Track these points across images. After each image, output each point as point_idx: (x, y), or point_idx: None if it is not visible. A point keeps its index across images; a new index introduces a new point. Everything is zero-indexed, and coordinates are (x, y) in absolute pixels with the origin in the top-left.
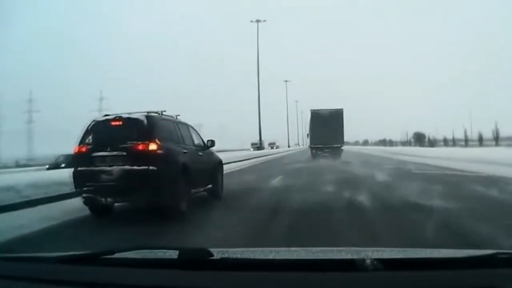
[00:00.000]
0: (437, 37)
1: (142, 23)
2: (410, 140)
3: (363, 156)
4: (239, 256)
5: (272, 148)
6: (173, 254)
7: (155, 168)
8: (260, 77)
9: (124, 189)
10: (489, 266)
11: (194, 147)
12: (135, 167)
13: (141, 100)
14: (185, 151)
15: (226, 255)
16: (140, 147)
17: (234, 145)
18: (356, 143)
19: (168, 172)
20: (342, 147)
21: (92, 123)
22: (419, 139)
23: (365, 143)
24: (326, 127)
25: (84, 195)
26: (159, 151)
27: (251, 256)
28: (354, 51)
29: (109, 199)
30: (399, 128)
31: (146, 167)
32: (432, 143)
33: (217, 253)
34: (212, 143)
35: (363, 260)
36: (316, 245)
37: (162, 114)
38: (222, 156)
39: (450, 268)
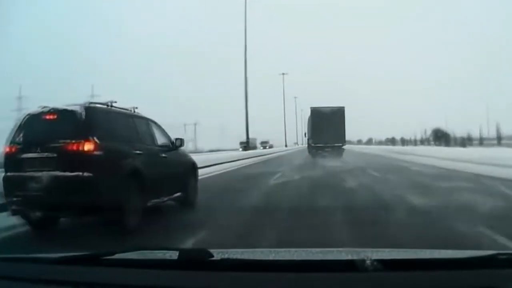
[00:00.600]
0: (443, 33)
1: (140, 22)
2: (428, 138)
3: (382, 160)
4: (239, 256)
5: (264, 147)
6: (173, 254)
7: (90, 174)
8: (259, 75)
9: (53, 200)
10: (489, 267)
11: (156, 147)
12: (67, 173)
13: (138, 99)
14: (139, 152)
15: (226, 256)
16: (73, 147)
17: (235, 145)
18: (359, 142)
19: (109, 179)
20: (344, 147)
21: (26, 117)
22: (444, 137)
23: (369, 142)
24: (327, 125)
25: (13, 207)
26: (97, 153)
27: (251, 256)
28: (357, 48)
29: (37, 213)
30: (403, 127)
31: (79, 173)
32: (464, 142)
33: (217, 253)
34: (181, 142)
35: (363, 260)
36: None
37: (111, 106)
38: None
39: (450, 268)
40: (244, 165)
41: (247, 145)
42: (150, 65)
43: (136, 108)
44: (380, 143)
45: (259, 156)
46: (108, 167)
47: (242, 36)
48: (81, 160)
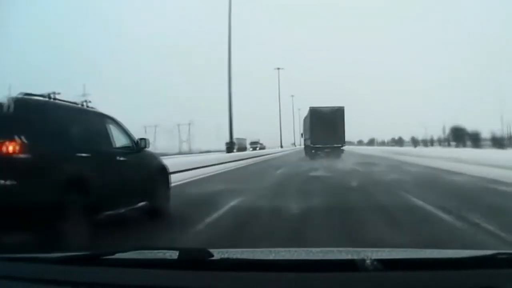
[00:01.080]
0: (448, 30)
1: (138, 22)
2: (440, 138)
3: (416, 171)
4: (239, 256)
5: (254, 149)
6: (173, 254)
7: (14, 182)
8: (256, 75)
9: None
10: (489, 267)
11: (112, 149)
12: None
13: (135, 99)
14: (85, 155)
15: (226, 255)
16: None
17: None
18: (360, 142)
19: (41, 188)
20: (343, 147)
21: None
22: (464, 136)
23: (371, 142)
24: (326, 126)
25: None
26: (24, 155)
27: (251, 256)
28: (358, 46)
29: None
30: (405, 127)
31: (0, 181)
32: (501, 143)
33: (217, 253)
34: (145, 143)
35: (363, 260)
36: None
37: (54, 99)
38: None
39: (450, 268)
40: (198, 177)
41: (230, 146)
42: (146, 65)
43: (89, 102)
44: (383, 143)
45: (240, 160)
46: (39, 173)
47: (239, 35)
48: (3, 164)
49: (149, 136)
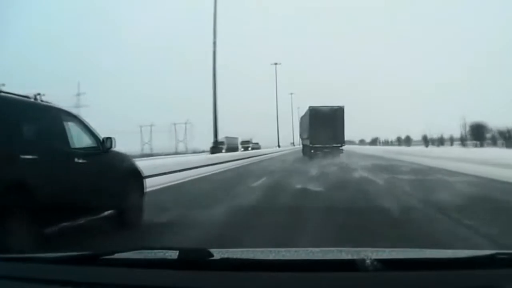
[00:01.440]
0: (454, 27)
1: (135, 21)
2: (462, 136)
3: None
4: (239, 256)
5: (246, 149)
6: (173, 254)
7: None
8: (255, 73)
9: None
10: (489, 267)
11: (70, 150)
12: None
13: (131, 98)
14: (31, 156)
15: (226, 255)
16: None
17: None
18: (362, 142)
19: None
20: (342, 147)
21: None
22: (483, 134)
23: (374, 142)
24: (325, 125)
25: None
26: None
27: (251, 256)
28: (359, 41)
29: None
30: (408, 126)
31: None
32: None
33: (217, 253)
34: (111, 142)
35: (363, 260)
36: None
37: None
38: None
39: (449, 268)
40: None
41: (215, 146)
42: (145, 64)
43: (43, 95)
44: (386, 143)
45: (223, 162)
46: None
47: (238, 34)
48: None
49: (145, 136)
